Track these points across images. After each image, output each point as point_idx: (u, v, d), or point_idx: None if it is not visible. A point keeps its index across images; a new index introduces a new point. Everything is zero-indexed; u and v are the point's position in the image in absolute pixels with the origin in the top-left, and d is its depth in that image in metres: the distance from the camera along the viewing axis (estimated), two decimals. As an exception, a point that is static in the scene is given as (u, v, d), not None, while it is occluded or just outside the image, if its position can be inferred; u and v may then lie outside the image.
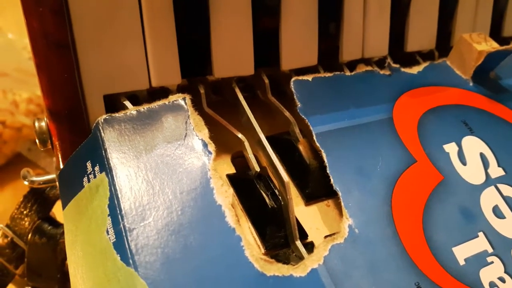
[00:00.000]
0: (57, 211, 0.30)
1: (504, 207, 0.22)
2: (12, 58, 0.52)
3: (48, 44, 0.20)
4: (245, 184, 0.23)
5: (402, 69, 0.27)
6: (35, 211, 0.29)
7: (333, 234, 0.20)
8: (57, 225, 0.29)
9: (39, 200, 0.29)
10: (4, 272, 0.29)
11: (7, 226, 0.29)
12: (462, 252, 0.20)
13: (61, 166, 0.22)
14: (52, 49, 0.20)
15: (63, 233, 0.28)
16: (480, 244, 0.21)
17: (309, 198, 0.23)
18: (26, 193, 0.29)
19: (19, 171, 0.28)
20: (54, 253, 0.28)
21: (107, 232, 0.18)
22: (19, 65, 0.50)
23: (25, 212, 0.28)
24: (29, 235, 0.28)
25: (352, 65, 0.27)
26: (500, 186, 0.23)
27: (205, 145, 0.20)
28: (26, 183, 0.26)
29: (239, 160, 0.24)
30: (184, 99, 0.21)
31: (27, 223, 0.28)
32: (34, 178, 0.26)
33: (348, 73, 0.26)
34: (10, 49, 0.53)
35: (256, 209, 0.22)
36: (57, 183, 0.23)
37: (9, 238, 0.29)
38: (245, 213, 0.22)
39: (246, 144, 0.23)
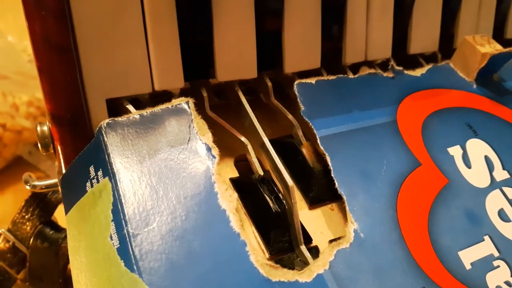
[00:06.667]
0: (59, 215, 0.30)
1: (509, 210, 0.22)
2: (12, 61, 0.51)
3: (50, 48, 0.20)
4: (249, 188, 0.23)
5: (405, 72, 0.27)
6: (37, 215, 0.28)
7: (338, 238, 0.20)
8: (59, 229, 0.29)
9: (41, 205, 0.29)
10: (5, 276, 0.29)
11: (9, 230, 0.29)
12: (468, 256, 0.20)
13: (64, 171, 0.22)
14: (54, 53, 0.20)
15: (65, 237, 0.28)
16: (486, 248, 0.21)
17: (313, 202, 0.23)
18: (28, 197, 0.29)
19: (19, 174, 0.27)
20: (56, 258, 0.28)
21: (111, 237, 0.18)
22: (19, 68, 0.50)
23: (26, 216, 0.28)
24: (31, 240, 0.28)
25: (355, 68, 0.27)
26: (505, 189, 0.23)
27: (208, 149, 0.20)
28: (28, 187, 0.26)
29: (242, 163, 0.24)
30: (187, 103, 0.21)
31: (28, 228, 0.28)
32: (36, 183, 0.26)
33: (351, 75, 0.26)
34: (10, 51, 0.53)
35: (260, 213, 0.22)
36: (59, 188, 0.23)
37: (10, 243, 0.29)
38: (249, 217, 0.21)
39: (249, 147, 0.23)
